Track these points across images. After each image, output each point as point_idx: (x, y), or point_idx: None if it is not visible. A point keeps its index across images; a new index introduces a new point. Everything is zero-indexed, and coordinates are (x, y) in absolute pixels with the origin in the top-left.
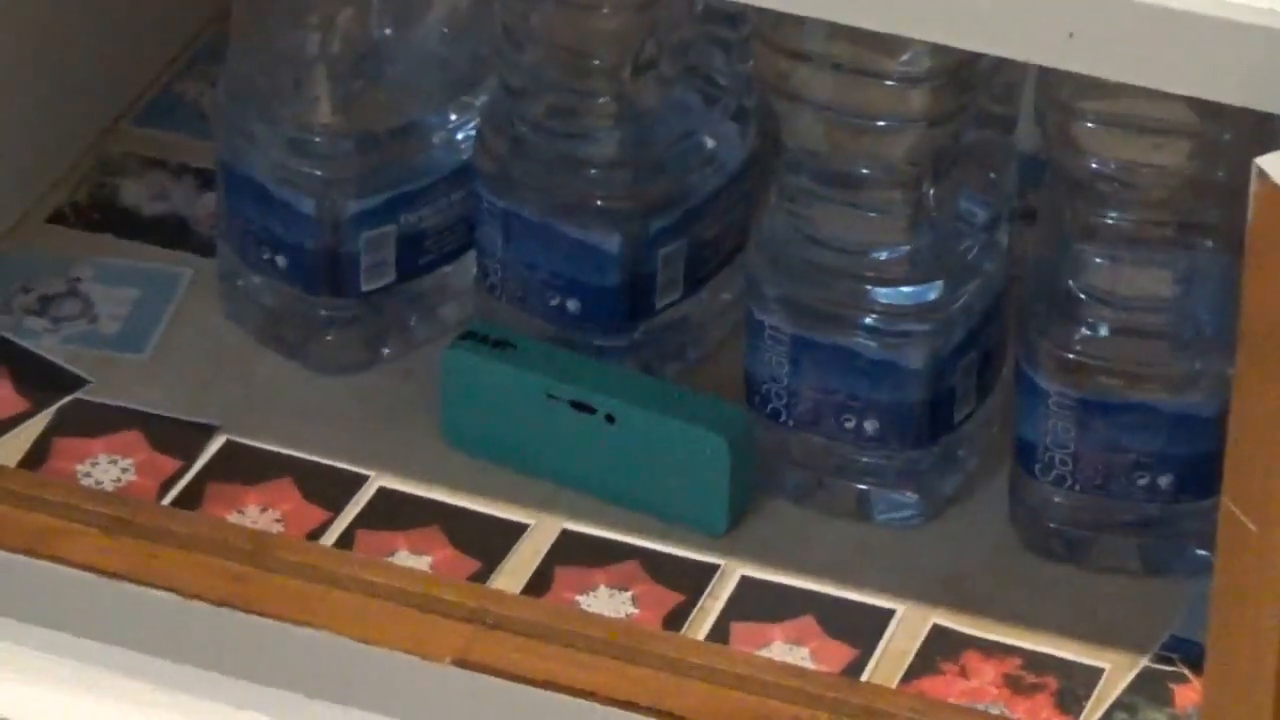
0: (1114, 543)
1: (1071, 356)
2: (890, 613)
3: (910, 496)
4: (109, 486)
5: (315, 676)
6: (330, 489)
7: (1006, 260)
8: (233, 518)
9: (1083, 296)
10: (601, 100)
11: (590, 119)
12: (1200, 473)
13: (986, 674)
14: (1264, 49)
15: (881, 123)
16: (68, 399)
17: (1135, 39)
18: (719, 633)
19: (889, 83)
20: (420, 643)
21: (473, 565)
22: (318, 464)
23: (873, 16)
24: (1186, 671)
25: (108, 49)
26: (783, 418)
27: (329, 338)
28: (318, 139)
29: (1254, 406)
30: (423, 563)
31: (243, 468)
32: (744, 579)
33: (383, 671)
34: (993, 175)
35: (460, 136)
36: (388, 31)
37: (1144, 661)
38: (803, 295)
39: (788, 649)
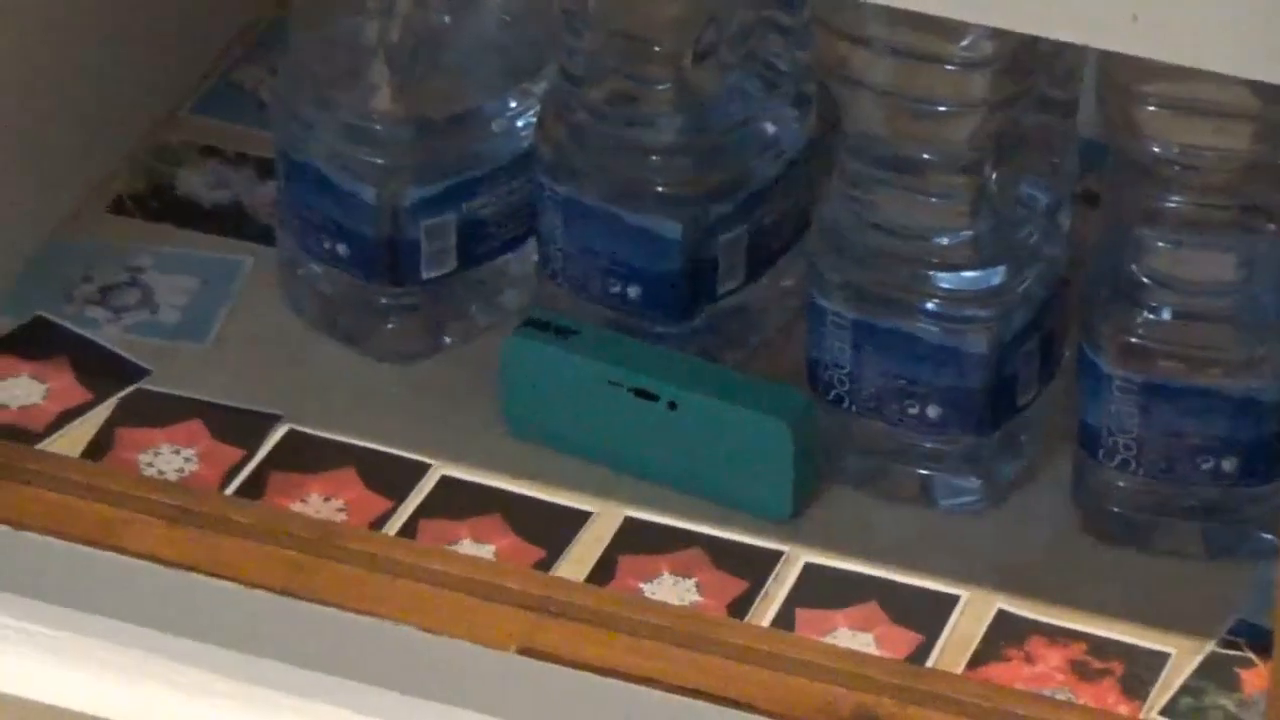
0: (1177, 527)
1: (1134, 341)
2: (955, 598)
3: (973, 482)
4: (172, 476)
5: (379, 665)
6: (392, 478)
7: (1068, 245)
8: (295, 507)
9: (1145, 280)
10: (661, 87)
11: (650, 105)
12: (1264, 457)
13: (1052, 659)
14: None
15: (942, 108)
16: (130, 389)
17: (1198, 22)
18: (784, 619)
19: (950, 67)
20: (484, 631)
21: (536, 553)
22: (380, 453)
23: (933, 1)
24: (1253, 656)
25: (165, 37)
26: (845, 403)
27: (390, 326)
28: (377, 127)
29: None
30: (486, 551)
31: (305, 457)
32: (808, 565)
33: (447, 660)
34: (1054, 160)
35: (520, 124)
36: (447, 19)
37: (1210, 646)
38: (865, 281)
39: (852, 635)
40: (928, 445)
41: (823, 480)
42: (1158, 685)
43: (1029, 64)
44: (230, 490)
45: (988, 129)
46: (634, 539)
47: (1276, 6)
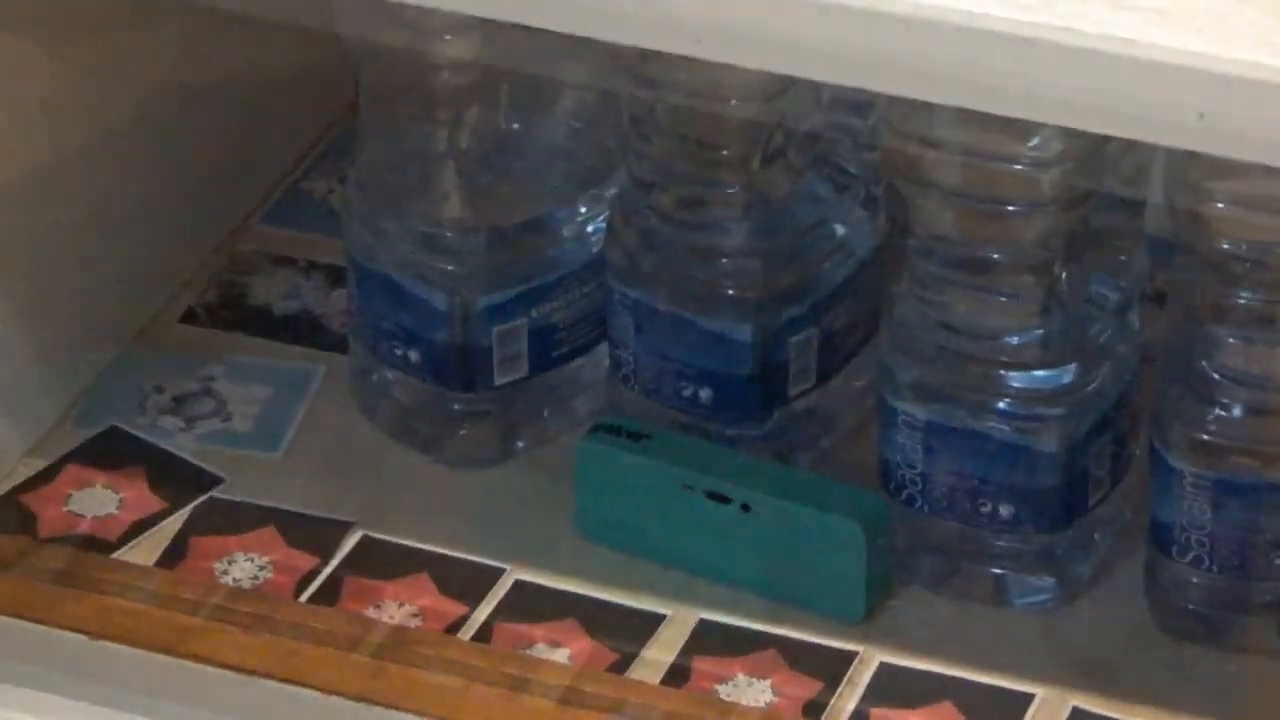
0: (1251, 622)
1: (1206, 437)
2: (1029, 697)
3: (1046, 580)
4: (246, 584)
5: None
6: (467, 583)
7: (1138, 342)
8: (370, 613)
9: (1216, 377)
10: (731, 191)
11: (720, 209)
12: None
13: None
14: None
15: (1012, 208)
16: (203, 498)
17: (1266, 119)
18: None
19: (1019, 167)
20: None
21: (611, 656)
22: (453, 558)
23: (1001, 103)
24: None
25: (235, 148)
26: (917, 504)
27: (462, 432)
28: (448, 234)
29: None
30: (560, 655)
31: (379, 563)
32: (882, 665)
33: None
34: (1123, 257)
35: (590, 229)
36: (516, 126)
37: None
38: (935, 381)
39: None
40: (1001, 544)
41: (896, 580)
42: None
43: (1098, 163)
44: (305, 597)
45: (1057, 228)
46: (708, 641)
47: None
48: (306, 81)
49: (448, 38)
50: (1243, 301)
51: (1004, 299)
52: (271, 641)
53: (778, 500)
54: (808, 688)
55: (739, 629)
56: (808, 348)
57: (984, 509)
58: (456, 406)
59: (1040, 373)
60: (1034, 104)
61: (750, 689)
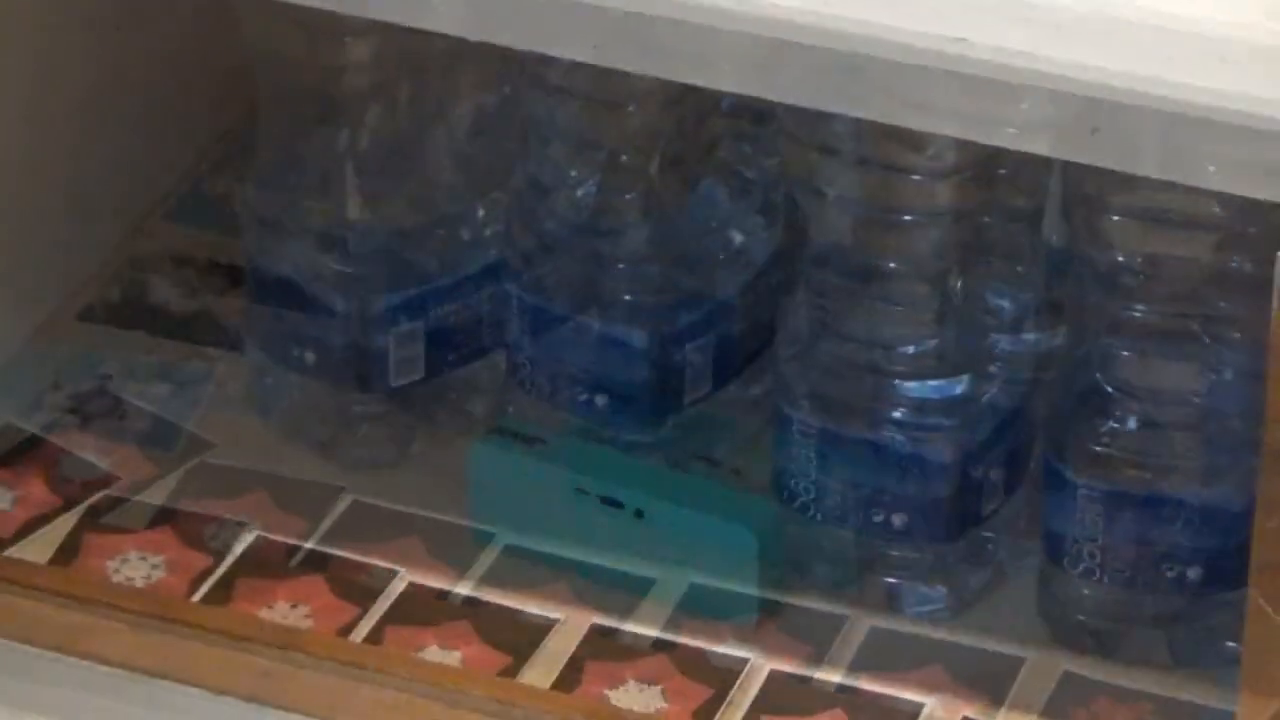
0: (1143, 635)
1: (1099, 449)
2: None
3: (939, 590)
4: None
5: None
6: (360, 587)
7: (1034, 354)
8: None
9: (1110, 389)
10: (629, 196)
11: (618, 214)
12: (1229, 565)
13: None
14: None
15: (908, 217)
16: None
17: (1158, 134)
18: None
19: (915, 177)
20: None
21: (502, 660)
22: (350, 561)
23: (896, 112)
24: None
25: (136, 147)
26: (811, 512)
27: (359, 433)
28: (346, 235)
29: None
30: (452, 658)
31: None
32: (773, 673)
33: None
34: (1020, 269)
35: (488, 233)
36: (416, 128)
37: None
38: (830, 389)
39: None
40: (894, 554)
41: (789, 588)
42: None
43: (993, 174)
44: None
45: (953, 238)
46: (600, 646)
47: (1234, 116)
48: (208, 83)
49: (348, 40)
50: (1137, 314)
51: (898, 308)
52: (161, 640)
53: (671, 506)
54: (698, 694)
55: (631, 634)
56: (704, 354)
57: (876, 518)
58: (354, 408)
59: (934, 383)
60: (929, 115)
61: (641, 694)
